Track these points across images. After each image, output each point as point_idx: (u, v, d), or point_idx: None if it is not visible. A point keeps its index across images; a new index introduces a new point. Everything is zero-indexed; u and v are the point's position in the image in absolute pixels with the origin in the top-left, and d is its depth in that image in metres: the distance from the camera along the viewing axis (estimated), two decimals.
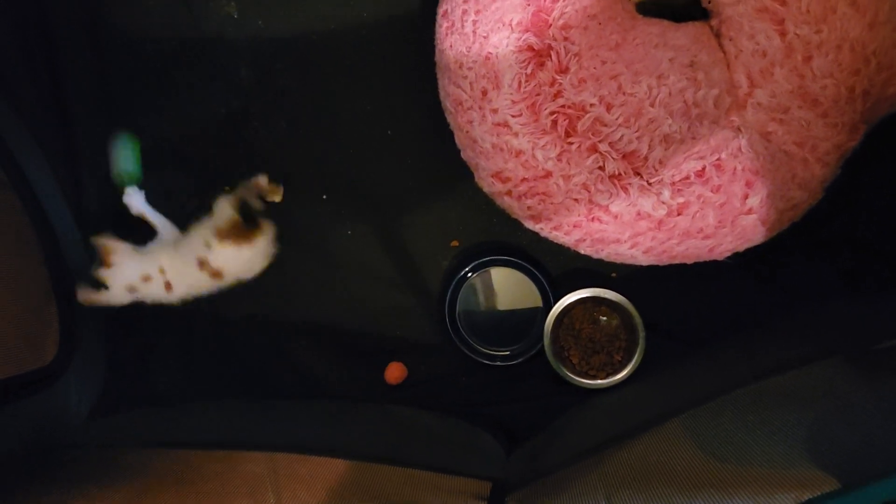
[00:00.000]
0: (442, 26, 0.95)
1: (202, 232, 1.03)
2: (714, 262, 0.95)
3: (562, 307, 1.03)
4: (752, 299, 1.02)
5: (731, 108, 0.88)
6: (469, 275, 1.06)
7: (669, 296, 1.04)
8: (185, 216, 1.07)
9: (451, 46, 0.93)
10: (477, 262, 1.06)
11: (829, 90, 0.87)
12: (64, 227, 1.04)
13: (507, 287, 1.07)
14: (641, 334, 1.01)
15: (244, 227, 1.02)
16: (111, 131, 1.09)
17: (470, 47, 0.91)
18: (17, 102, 1.02)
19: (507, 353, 1.06)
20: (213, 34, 1.08)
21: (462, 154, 0.98)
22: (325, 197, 1.09)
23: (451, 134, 0.99)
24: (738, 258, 0.94)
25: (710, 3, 0.90)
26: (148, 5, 1.08)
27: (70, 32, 1.08)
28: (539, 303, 1.05)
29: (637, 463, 0.82)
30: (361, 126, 1.08)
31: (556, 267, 1.07)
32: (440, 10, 0.96)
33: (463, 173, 1.00)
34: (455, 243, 1.08)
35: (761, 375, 0.82)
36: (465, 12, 0.91)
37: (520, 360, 1.05)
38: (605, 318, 1.05)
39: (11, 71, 1.04)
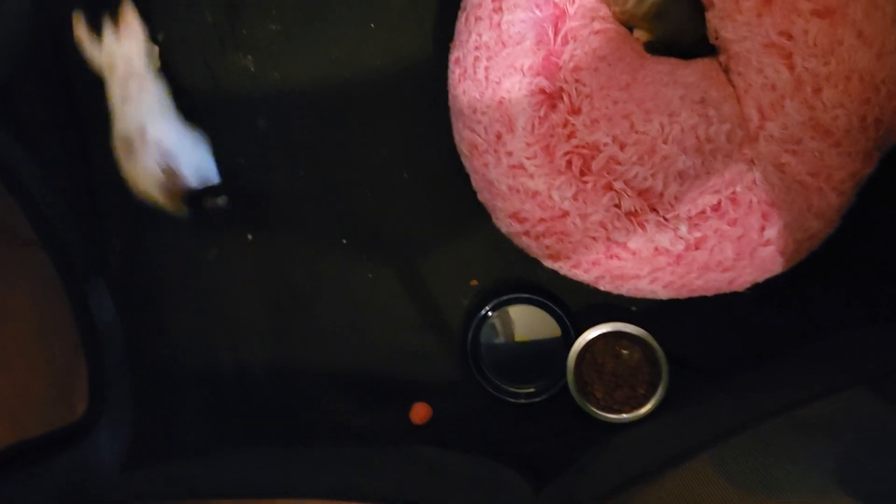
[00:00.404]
0: (455, 72, 0.97)
1: None
2: (734, 294, 0.95)
3: (583, 342, 1.03)
4: (774, 329, 1.02)
5: (744, 142, 0.89)
6: (490, 313, 1.07)
7: (690, 328, 1.04)
8: (206, 264, 1.09)
9: (464, 92, 0.95)
10: (497, 301, 1.07)
11: (841, 120, 0.88)
12: (91, 281, 1.06)
13: (528, 324, 1.07)
14: (664, 367, 1.02)
15: None
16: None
17: (483, 93, 0.93)
18: (43, 158, 1.05)
19: (531, 390, 1.06)
20: (230, 88, 1.11)
21: (479, 196, 1.00)
22: (344, 241, 1.10)
23: (467, 176, 1.00)
24: (757, 289, 0.95)
25: (717, 39, 0.92)
26: (167, 61, 1.11)
27: (91, 87, 1.11)
28: (560, 339, 1.06)
29: (668, 499, 0.82)
30: (378, 171, 1.10)
31: (575, 302, 1.07)
32: (452, 57, 0.98)
33: (480, 214, 1.01)
34: (475, 282, 1.09)
35: (788, 407, 0.82)
36: (476, 59, 0.94)
37: (543, 396, 1.06)
38: (626, 352, 1.06)
39: (37, 126, 1.08)
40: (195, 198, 1.06)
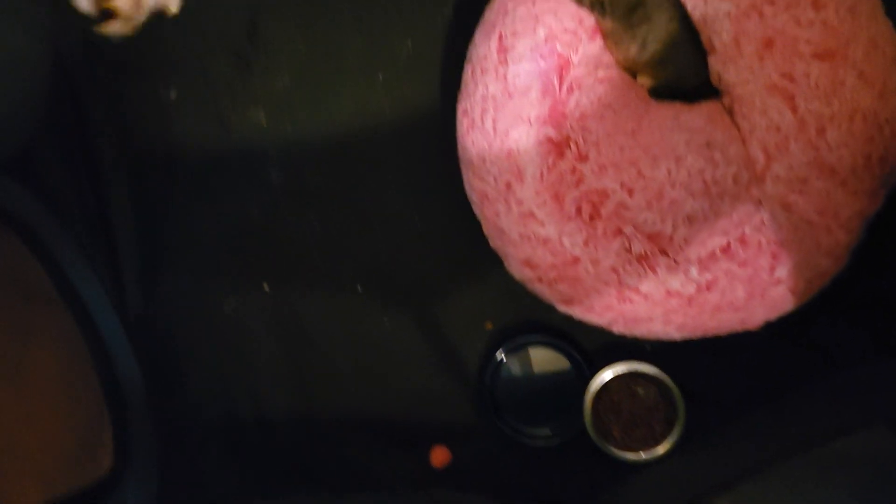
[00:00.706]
0: (463, 123, 0.99)
1: None
2: (747, 331, 0.96)
3: (599, 383, 1.04)
4: (788, 365, 1.03)
5: (751, 183, 0.90)
6: (505, 356, 1.08)
7: (705, 365, 1.05)
8: (224, 315, 1.12)
9: (472, 143, 0.97)
10: (512, 343, 1.08)
11: (846, 160, 0.89)
12: (113, 337, 1.08)
13: (544, 366, 1.08)
14: (680, 405, 1.02)
15: None
16: (150, 240, 1.14)
17: (491, 143, 0.95)
18: (63, 216, 1.08)
19: (549, 432, 1.07)
20: (243, 141, 1.13)
21: (490, 243, 1.01)
22: (360, 289, 1.12)
23: (479, 222, 1.02)
24: (770, 326, 0.95)
25: (720, 82, 0.93)
26: (181, 120, 1.14)
27: (110, 149, 1.14)
28: (576, 379, 1.07)
29: None
30: (391, 218, 1.11)
31: (590, 342, 1.08)
32: (460, 108, 1.00)
33: (493, 258, 1.02)
34: (489, 325, 1.10)
35: (806, 446, 0.82)
36: (484, 110, 0.95)
37: (562, 438, 1.06)
38: (642, 391, 1.06)
39: (57, 185, 1.11)
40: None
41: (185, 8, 1.14)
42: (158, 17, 1.14)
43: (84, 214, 1.12)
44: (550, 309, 1.03)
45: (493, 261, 1.03)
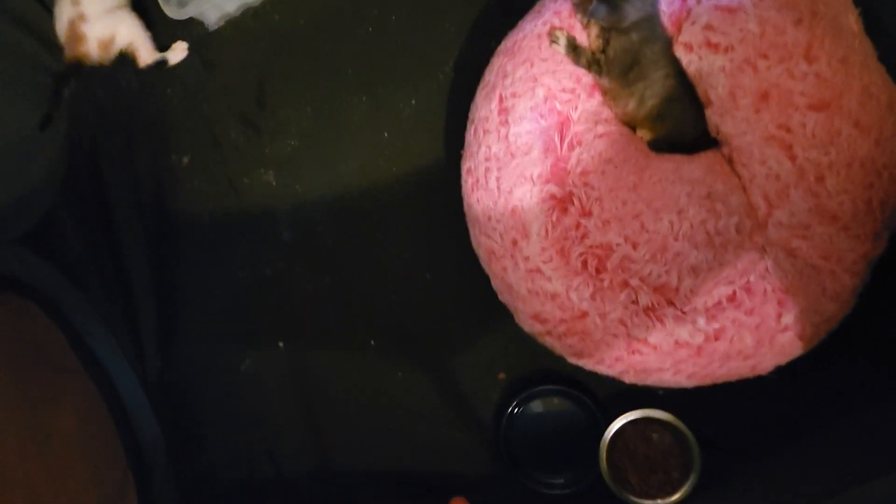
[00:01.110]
0: (468, 182, 1.01)
1: None
2: (758, 377, 0.97)
3: (613, 430, 1.05)
4: (801, 406, 1.03)
5: (754, 230, 0.92)
6: (518, 406, 1.09)
7: (718, 410, 1.05)
8: (241, 374, 1.14)
9: (478, 201, 0.99)
10: (526, 394, 1.09)
11: (846, 205, 0.90)
12: (134, 401, 1.10)
13: (557, 415, 1.09)
14: (695, 450, 1.03)
15: None
16: (167, 303, 1.16)
17: (496, 202, 0.97)
18: (83, 285, 1.11)
19: (564, 480, 1.08)
20: (254, 204, 1.16)
21: (500, 297, 1.03)
22: (373, 343, 1.14)
23: (488, 276, 1.04)
24: (781, 371, 0.96)
25: (718, 134, 0.95)
26: (193, 184, 1.17)
27: (126, 216, 1.17)
28: (591, 427, 1.08)
29: None
30: (401, 273, 1.13)
31: (602, 390, 1.09)
32: (464, 167, 1.02)
33: (503, 310, 1.04)
34: (502, 376, 1.12)
35: (829, 492, 0.82)
36: (487, 170, 0.98)
37: (578, 486, 1.07)
38: (657, 436, 1.07)
39: (77, 255, 1.14)
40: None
41: (194, 75, 1.17)
42: (170, 85, 1.17)
43: (102, 281, 1.15)
44: (562, 358, 1.04)
45: (504, 312, 1.04)
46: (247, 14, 1.16)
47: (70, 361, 1.05)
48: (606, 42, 0.94)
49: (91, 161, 1.17)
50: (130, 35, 1.11)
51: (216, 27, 1.16)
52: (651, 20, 0.93)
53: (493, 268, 1.00)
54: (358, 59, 1.15)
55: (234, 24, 1.17)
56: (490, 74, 1.01)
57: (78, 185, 1.17)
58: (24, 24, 1.11)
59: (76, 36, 1.08)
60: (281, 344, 1.15)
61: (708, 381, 0.97)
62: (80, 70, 1.11)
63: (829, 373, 1.03)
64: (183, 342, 1.16)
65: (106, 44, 1.10)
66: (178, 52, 1.15)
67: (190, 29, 1.16)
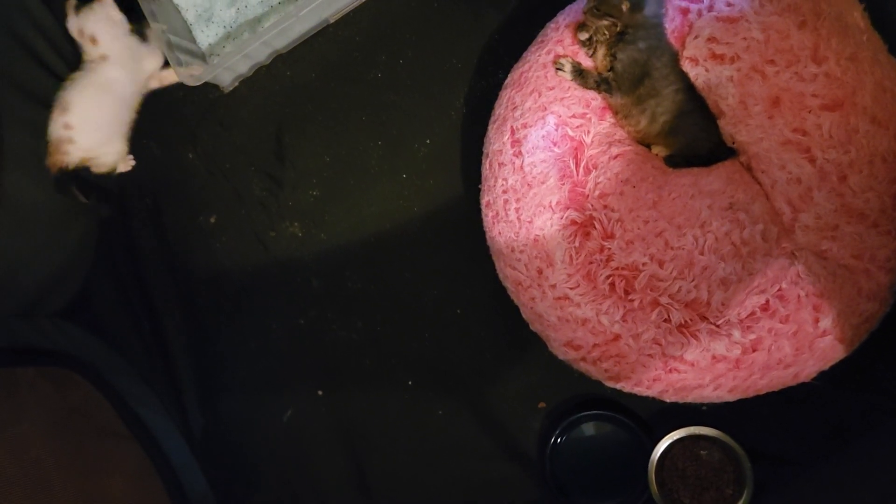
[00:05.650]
0: (488, 216, 1.02)
1: None
2: (802, 384, 0.95)
3: (660, 451, 1.03)
4: (850, 409, 1.00)
5: (781, 236, 0.90)
6: (562, 434, 1.08)
7: (765, 420, 1.03)
8: (283, 425, 1.15)
9: (500, 233, 1.00)
10: (568, 421, 1.08)
11: (873, 202, 0.88)
12: (180, 459, 1.12)
13: (602, 439, 1.08)
14: (746, 463, 1.01)
15: None
16: (205, 360, 1.18)
17: (518, 232, 0.97)
18: (124, 352, 1.14)
19: None
20: (282, 255, 1.18)
21: (531, 326, 1.02)
22: (410, 383, 1.14)
23: (518, 307, 1.04)
24: (825, 374, 0.94)
25: (734, 143, 0.94)
26: (222, 242, 1.19)
27: (160, 279, 1.20)
28: (636, 450, 1.06)
29: None
30: (431, 311, 1.14)
31: (644, 410, 1.08)
32: (483, 201, 1.03)
33: (536, 339, 1.04)
34: (542, 405, 1.11)
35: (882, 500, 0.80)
36: (506, 202, 0.98)
37: None
38: (705, 452, 1.05)
39: (114, 321, 1.18)
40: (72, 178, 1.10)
41: (213, 137, 1.21)
42: (190, 150, 1.21)
43: (142, 344, 1.18)
44: (600, 382, 1.04)
45: (537, 341, 1.04)
46: (259, 72, 1.19)
47: (116, 426, 1.08)
48: (614, 57, 0.94)
49: (122, 229, 1.21)
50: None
51: (231, 88, 1.19)
52: (658, 28, 0.93)
53: (521, 298, 1.00)
54: (370, 105, 1.17)
55: (249, 83, 1.20)
56: (500, 108, 1.02)
57: (111, 253, 1.20)
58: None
59: (60, 151, 1.08)
60: (320, 392, 1.16)
61: (751, 393, 0.95)
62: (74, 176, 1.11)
63: (875, 374, 1.00)
64: (224, 397, 1.18)
65: (86, 161, 1.10)
66: (125, 165, 1.17)
67: (206, 92, 1.20)
